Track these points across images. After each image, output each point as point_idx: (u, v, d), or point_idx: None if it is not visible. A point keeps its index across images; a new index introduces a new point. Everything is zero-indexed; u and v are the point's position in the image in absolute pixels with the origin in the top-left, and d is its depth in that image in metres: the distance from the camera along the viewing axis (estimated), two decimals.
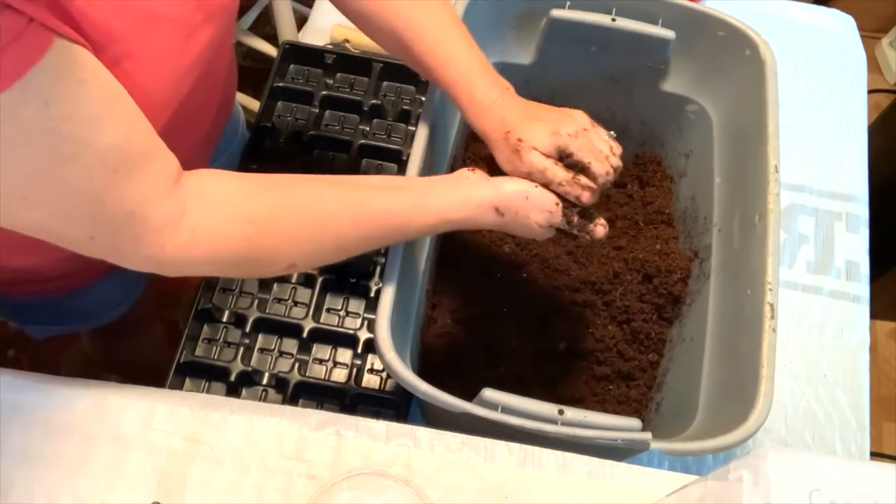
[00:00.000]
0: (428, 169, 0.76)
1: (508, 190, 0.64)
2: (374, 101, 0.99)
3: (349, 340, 0.86)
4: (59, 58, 0.45)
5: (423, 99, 0.76)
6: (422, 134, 0.73)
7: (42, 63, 0.44)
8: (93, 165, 0.49)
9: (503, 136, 0.65)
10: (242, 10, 1.79)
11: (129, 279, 0.89)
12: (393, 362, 0.62)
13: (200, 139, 0.76)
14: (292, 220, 0.59)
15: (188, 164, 0.57)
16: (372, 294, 0.88)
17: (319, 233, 0.60)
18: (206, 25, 0.60)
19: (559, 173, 0.64)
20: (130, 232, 0.53)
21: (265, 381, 0.83)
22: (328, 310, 0.88)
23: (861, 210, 1.01)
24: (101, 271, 0.82)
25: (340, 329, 0.86)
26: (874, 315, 0.96)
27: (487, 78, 0.68)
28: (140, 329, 1.03)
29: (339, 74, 1.03)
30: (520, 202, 0.64)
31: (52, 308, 0.85)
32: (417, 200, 0.63)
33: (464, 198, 0.64)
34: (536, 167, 0.64)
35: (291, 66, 1.03)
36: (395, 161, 0.97)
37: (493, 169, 0.67)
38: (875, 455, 1.04)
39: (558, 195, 0.65)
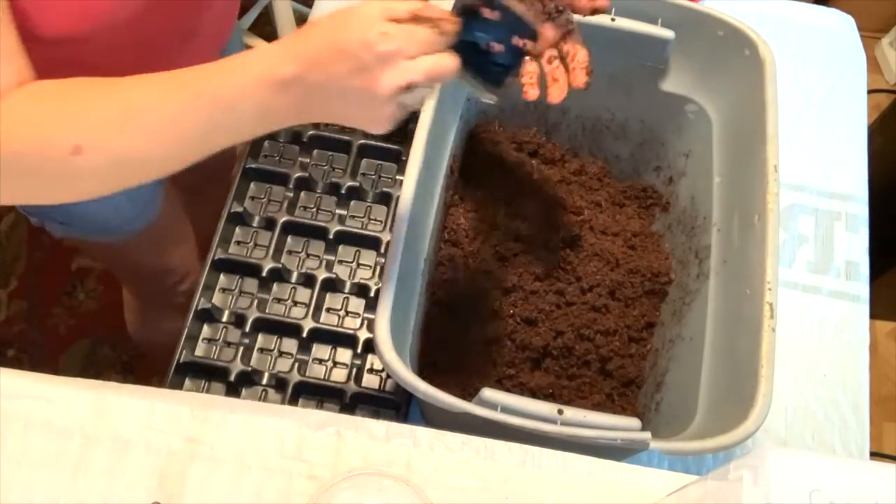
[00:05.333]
0: (428, 169, 0.76)
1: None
2: None
3: (349, 340, 0.86)
4: None
5: None
6: (421, 134, 0.73)
7: None
8: None
9: None
10: (242, 10, 1.79)
11: (137, 196, 0.89)
12: (392, 362, 0.62)
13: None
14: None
15: None
16: (372, 294, 0.88)
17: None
18: None
19: None
20: None
21: (265, 381, 0.83)
22: (328, 309, 0.88)
23: (861, 210, 1.01)
24: None
25: (340, 329, 0.86)
26: (874, 315, 0.96)
27: None
28: (163, 247, 1.02)
29: None
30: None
31: (65, 209, 0.85)
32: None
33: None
34: None
35: None
36: (395, 161, 0.97)
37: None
38: (875, 455, 1.04)
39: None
